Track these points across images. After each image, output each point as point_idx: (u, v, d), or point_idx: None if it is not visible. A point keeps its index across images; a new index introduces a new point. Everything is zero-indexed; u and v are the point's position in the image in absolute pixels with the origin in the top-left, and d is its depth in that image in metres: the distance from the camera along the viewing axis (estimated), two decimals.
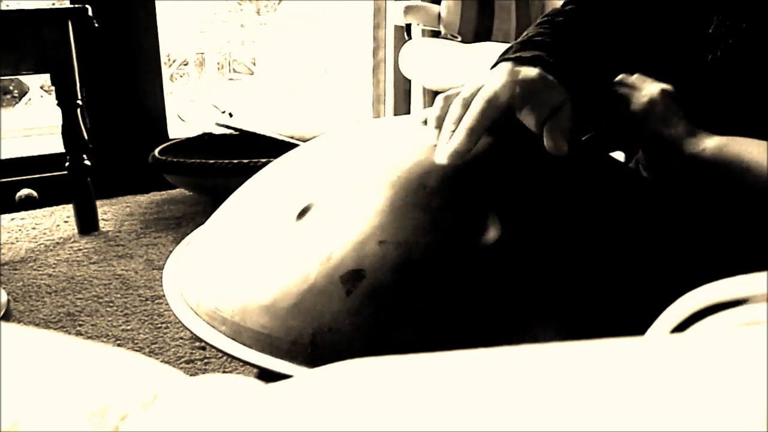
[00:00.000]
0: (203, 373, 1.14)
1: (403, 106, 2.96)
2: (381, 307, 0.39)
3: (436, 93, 2.32)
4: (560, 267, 0.41)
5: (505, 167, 0.47)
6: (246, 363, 0.41)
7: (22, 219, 1.97)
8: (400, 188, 0.45)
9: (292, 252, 0.44)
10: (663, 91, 0.61)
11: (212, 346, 0.43)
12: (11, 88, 3.95)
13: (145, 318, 1.34)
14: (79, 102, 1.74)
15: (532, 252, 0.41)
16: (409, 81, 2.79)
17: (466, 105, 0.52)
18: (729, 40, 0.61)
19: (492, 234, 0.42)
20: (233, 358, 0.42)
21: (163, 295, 1.41)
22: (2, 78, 3.14)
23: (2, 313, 1.31)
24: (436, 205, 0.43)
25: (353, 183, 0.47)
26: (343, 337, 0.39)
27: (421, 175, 0.45)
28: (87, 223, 1.84)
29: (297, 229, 0.45)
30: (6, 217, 1.96)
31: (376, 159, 0.49)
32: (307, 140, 0.65)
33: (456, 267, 0.40)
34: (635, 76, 0.64)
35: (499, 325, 0.39)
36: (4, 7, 1.68)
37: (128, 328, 1.30)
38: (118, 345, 1.24)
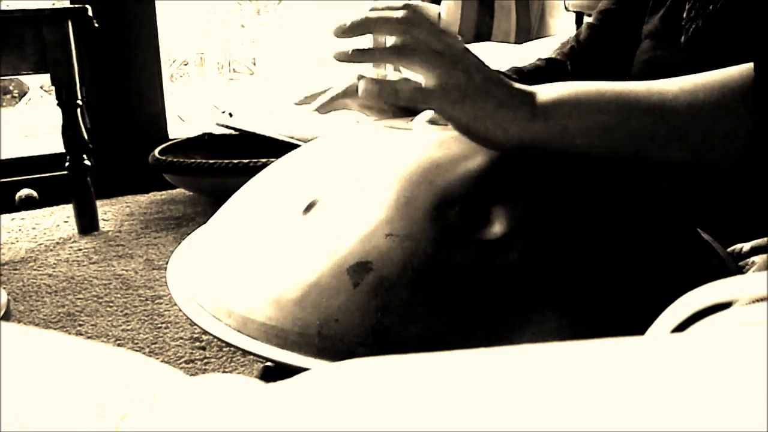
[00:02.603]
0: (203, 373, 1.14)
1: None
2: (388, 298, 0.39)
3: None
4: (563, 264, 0.42)
5: (510, 163, 0.47)
6: (253, 354, 0.41)
7: (22, 219, 1.97)
8: (407, 183, 0.45)
9: (298, 245, 0.44)
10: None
11: (218, 339, 0.43)
12: (11, 88, 3.95)
13: (145, 318, 1.34)
14: (79, 102, 1.74)
15: (536, 248, 0.42)
16: None
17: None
18: (699, 21, 0.62)
19: (497, 229, 0.42)
20: (240, 349, 0.42)
21: (163, 295, 1.42)
22: (2, 78, 3.14)
23: (2, 313, 1.31)
24: (443, 199, 0.43)
25: (359, 178, 0.47)
26: (350, 329, 0.39)
27: (427, 170, 0.46)
28: (87, 223, 1.84)
29: (303, 223, 0.45)
30: (6, 217, 1.96)
31: (381, 156, 0.50)
32: (308, 140, 0.65)
33: (461, 260, 0.40)
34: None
35: (502, 320, 0.39)
36: (4, 7, 1.68)
37: (128, 328, 1.30)
38: (118, 345, 1.24)
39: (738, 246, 0.54)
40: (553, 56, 0.82)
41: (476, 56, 0.48)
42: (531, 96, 0.47)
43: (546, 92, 0.47)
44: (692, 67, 0.64)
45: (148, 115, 2.32)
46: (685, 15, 0.65)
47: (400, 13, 0.46)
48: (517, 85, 0.47)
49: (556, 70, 0.80)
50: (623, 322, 0.40)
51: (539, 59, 0.82)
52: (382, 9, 0.47)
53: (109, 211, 2.03)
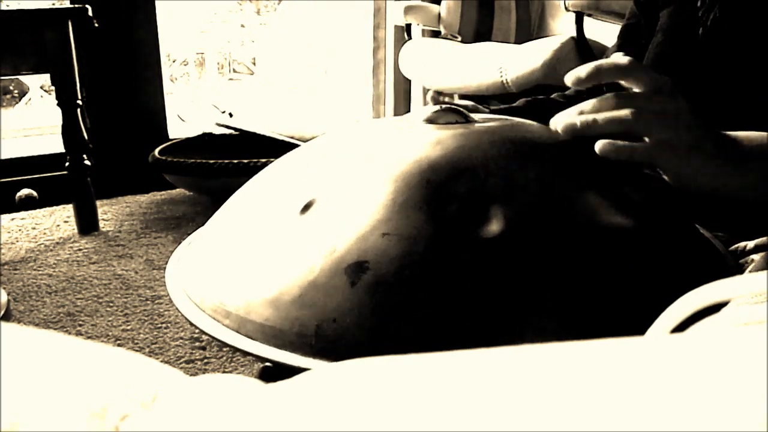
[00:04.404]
0: (203, 373, 1.14)
1: (403, 106, 2.96)
2: (385, 298, 0.39)
3: (435, 93, 2.33)
4: (562, 263, 0.42)
5: (509, 162, 0.47)
6: (250, 354, 0.41)
7: (22, 219, 1.97)
8: (404, 183, 0.45)
9: (296, 245, 0.44)
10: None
11: (216, 339, 0.43)
12: (11, 88, 3.95)
13: (145, 318, 1.34)
14: (79, 102, 1.74)
15: (535, 247, 0.42)
16: (409, 81, 2.79)
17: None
18: (716, 11, 0.63)
19: (495, 227, 0.42)
20: (237, 350, 0.42)
21: (163, 295, 1.42)
22: (2, 78, 3.14)
23: (2, 313, 1.31)
24: (440, 198, 0.43)
25: (356, 178, 0.47)
26: (347, 328, 0.39)
27: (424, 170, 0.46)
28: (87, 223, 1.84)
29: (300, 223, 0.45)
30: (6, 217, 1.96)
31: (378, 156, 0.50)
32: (307, 140, 0.65)
33: (459, 260, 0.40)
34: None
35: (500, 319, 0.39)
36: (4, 7, 1.68)
37: (128, 328, 1.30)
38: (118, 345, 1.24)
39: (742, 244, 0.54)
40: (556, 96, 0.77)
41: (689, 106, 0.50)
42: (732, 144, 0.51)
43: (741, 141, 0.51)
44: (713, 58, 0.64)
45: (148, 115, 2.32)
46: (699, 4, 0.64)
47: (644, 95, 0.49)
48: (720, 135, 0.51)
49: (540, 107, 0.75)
50: (623, 322, 0.40)
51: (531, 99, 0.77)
52: (608, 66, 0.50)
53: (109, 211, 2.03)
